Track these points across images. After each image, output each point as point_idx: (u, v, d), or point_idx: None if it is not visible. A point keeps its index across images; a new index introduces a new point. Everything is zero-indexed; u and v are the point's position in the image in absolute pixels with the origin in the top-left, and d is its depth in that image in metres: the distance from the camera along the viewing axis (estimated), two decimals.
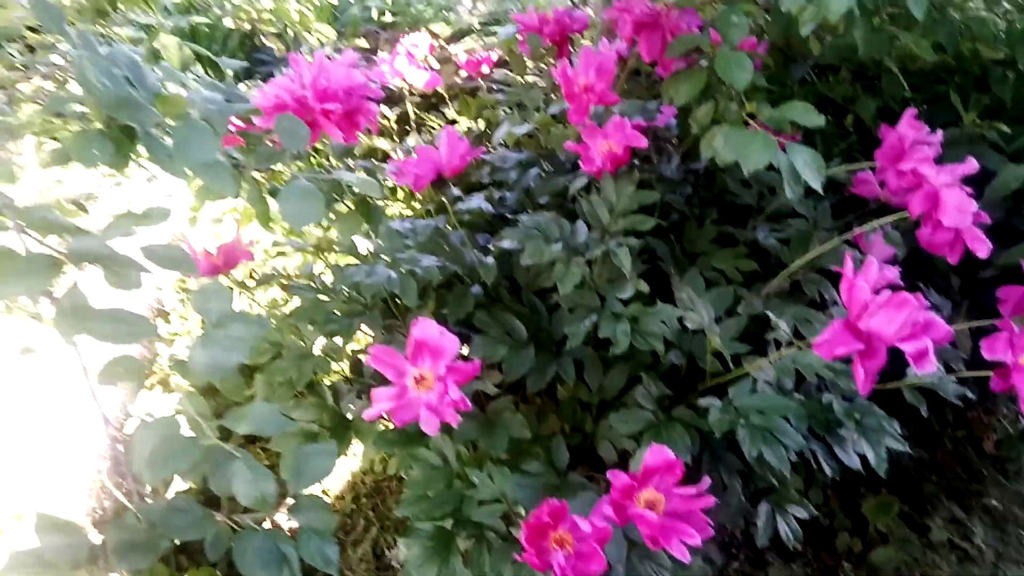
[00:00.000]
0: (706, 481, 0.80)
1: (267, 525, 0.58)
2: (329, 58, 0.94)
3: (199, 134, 0.54)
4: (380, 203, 1.27)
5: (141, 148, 0.60)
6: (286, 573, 0.51)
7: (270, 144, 1.05)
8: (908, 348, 0.75)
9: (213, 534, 0.54)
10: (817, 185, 0.94)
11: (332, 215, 1.02)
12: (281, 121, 0.74)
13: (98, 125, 0.54)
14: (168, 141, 0.53)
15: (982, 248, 0.97)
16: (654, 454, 0.79)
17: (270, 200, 0.87)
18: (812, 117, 0.97)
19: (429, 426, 0.83)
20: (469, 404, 0.84)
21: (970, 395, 1.09)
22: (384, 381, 1.22)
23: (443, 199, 1.23)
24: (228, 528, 0.57)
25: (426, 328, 0.86)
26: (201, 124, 0.55)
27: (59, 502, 1.30)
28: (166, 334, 1.71)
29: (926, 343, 0.75)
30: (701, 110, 1.11)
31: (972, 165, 0.98)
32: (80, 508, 1.34)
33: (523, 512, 0.91)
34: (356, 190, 1.08)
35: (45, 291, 0.57)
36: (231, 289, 0.62)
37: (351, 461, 1.59)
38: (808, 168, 0.94)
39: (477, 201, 1.39)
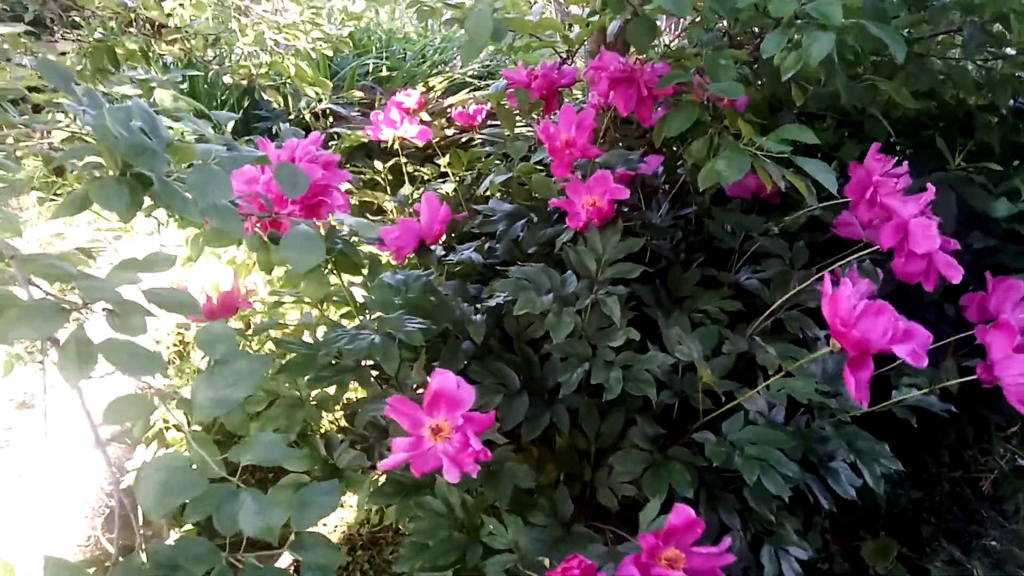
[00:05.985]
0: (726, 542, 0.79)
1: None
2: (307, 131, 0.94)
3: (215, 177, 0.56)
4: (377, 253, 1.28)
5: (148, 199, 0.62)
6: None
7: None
8: (900, 350, 0.79)
9: (219, 568, 0.55)
10: (832, 187, 1.00)
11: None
12: (280, 170, 0.76)
13: (112, 174, 0.56)
14: (180, 188, 0.56)
15: (955, 274, 1.00)
16: (677, 514, 0.79)
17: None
18: (807, 135, 1.02)
19: (451, 475, 0.83)
20: (489, 454, 0.84)
21: (954, 409, 1.12)
22: (379, 432, 1.21)
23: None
24: (231, 567, 0.58)
25: (444, 380, 0.86)
26: (215, 169, 0.57)
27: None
28: (163, 386, 1.71)
29: (914, 345, 0.80)
30: (695, 145, 1.14)
31: (931, 192, 1.02)
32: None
33: (546, 564, 0.90)
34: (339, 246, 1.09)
35: (52, 337, 0.59)
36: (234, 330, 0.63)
37: (346, 512, 1.58)
38: (820, 173, 1.01)
39: (467, 253, 1.40)
